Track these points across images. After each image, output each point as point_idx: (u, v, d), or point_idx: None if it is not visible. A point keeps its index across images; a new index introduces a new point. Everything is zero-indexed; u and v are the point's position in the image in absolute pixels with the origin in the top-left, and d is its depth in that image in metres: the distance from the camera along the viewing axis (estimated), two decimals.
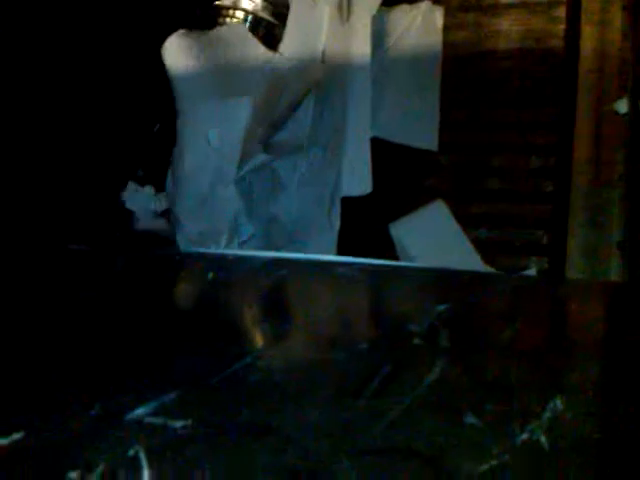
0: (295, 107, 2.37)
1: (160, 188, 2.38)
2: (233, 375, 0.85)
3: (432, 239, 2.31)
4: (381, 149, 2.35)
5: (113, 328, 1.00)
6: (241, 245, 2.24)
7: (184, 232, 2.15)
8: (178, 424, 0.72)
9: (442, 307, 1.01)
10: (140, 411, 0.74)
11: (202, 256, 1.30)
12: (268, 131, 2.31)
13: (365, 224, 2.35)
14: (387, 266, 1.32)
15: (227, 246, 2.17)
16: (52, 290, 1.17)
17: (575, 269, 2.09)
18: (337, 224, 2.24)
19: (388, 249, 2.33)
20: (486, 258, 2.24)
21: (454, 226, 2.31)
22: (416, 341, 0.93)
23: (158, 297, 1.14)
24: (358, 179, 2.28)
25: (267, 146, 2.30)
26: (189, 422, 0.72)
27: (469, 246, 2.26)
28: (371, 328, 1.06)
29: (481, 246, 2.28)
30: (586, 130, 2.22)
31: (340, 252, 2.18)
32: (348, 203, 2.26)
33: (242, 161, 2.23)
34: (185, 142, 2.23)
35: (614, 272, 2.08)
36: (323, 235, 2.23)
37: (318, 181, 2.32)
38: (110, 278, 1.17)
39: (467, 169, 2.41)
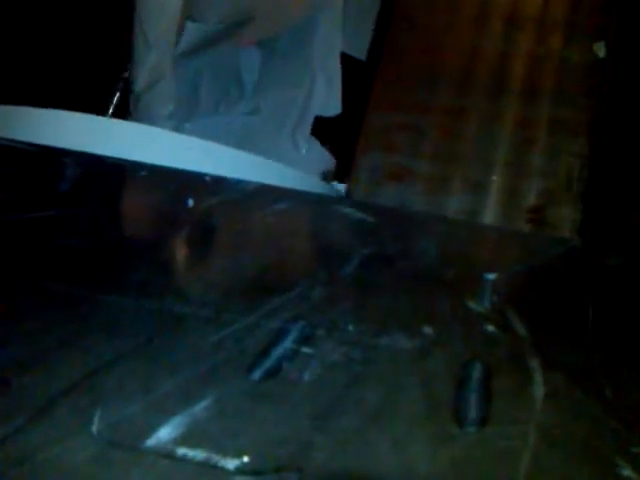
0: None
1: None
2: (275, 366, 0.59)
3: None
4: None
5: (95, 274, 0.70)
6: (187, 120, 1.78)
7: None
8: (230, 463, 0.46)
9: (491, 276, 0.79)
10: (164, 434, 0.47)
11: (173, 174, 0.99)
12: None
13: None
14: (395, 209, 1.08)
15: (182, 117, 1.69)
16: None
17: None
18: (303, 148, 1.84)
19: None
20: None
21: None
22: (489, 328, 0.71)
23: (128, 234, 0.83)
24: (330, 96, 1.88)
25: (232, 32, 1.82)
26: (245, 460, 0.46)
27: None
28: (426, 304, 0.82)
29: None
30: None
31: None
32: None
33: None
34: None
35: None
36: (282, 159, 1.80)
37: (285, 84, 1.90)
38: (60, 194, 0.83)
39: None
